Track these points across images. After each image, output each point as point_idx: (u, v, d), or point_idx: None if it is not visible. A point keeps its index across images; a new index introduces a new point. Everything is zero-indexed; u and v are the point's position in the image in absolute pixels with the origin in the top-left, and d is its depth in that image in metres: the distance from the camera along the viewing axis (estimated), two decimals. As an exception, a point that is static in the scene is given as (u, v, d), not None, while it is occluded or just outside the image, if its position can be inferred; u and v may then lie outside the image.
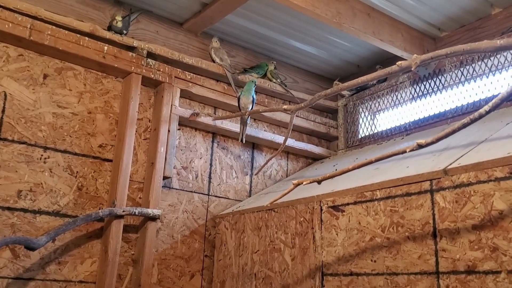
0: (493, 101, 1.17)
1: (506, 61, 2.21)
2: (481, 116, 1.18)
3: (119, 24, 2.25)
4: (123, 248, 2.14)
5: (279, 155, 2.80)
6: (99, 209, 2.10)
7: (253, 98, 2.44)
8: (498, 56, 2.23)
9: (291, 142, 2.73)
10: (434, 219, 1.49)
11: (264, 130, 2.77)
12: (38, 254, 1.95)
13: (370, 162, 1.46)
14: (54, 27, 2.08)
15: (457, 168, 1.46)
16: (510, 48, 1.18)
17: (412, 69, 1.39)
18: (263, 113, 2.58)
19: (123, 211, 2.05)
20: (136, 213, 2.10)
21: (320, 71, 3.13)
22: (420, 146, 1.28)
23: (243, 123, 2.45)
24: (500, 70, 2.25)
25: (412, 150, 1.30)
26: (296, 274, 1.91)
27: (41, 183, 2.01)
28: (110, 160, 2.20)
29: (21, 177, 1.97)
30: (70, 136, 2.12)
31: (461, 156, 1.56)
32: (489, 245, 1.33)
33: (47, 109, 2.09)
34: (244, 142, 2.48)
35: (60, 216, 2.03)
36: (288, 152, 2.86)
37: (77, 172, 2.10)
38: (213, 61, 2.58)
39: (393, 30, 2.47)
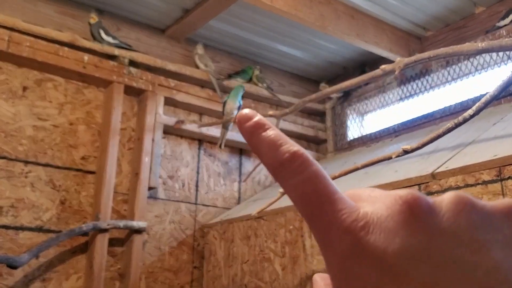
0: (477, 104, 1.14)
1: (491, 60, 2.20)
2: (465, 120, 1.16)
3: (92, 21, 2.21)
4: (109, 263, 2.09)
5: (268, 160, 2.76)
6: (83, 223, 2.05)
7: (240, 104, 2.39)
8: (484, 55, 2.22)
9: (279, 147, 2.69)
10: (423, 224, 1.46)
11: (252, 136, 2.73)
12: (22, 272, 1.89)
13: (357, 169, 1.43)
14: (32, 38, 2.03)
15: (445, 172, 1.43)
16: (491, 51, 1.16)
17: (396, 73, 1.36)
18: (249, 119, 2.54)
19: (108, 225, 2.00)
20: (121, 226, 2.05)
21: (306, 73, 3.10)
22: (406, 152, 1.25)
23: (225, 128, 2.39)
24: (486, 69, 2.24)
25: (398, 156, 1.27)
26: (287, 284, 1.87)
27: (23, 199, 1.96)
28: (93, 172, 2.15)
29: (1, 193, 1.91)
30: (51, 149, 2.07)
31: (449, 159, 1.54)
32: (479, 250, 1.30)
33: (27, 122, 2.04)
34: (222, 148, 2.41)
35: (43, 231, 1.98)
36: (277, 157, 2.82)
37: (59, 185, 2.05)
38: (197, 68, 2.54)
39: (378, 31, 2.45)
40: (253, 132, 0.24)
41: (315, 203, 0.22)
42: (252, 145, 0.24)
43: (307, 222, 0.23)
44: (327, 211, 0.22)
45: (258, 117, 0.24)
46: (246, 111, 0.25)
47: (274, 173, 0.24)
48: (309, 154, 0.23)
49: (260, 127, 0.24)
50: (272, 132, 0.24)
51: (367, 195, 0.24)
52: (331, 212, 0.22)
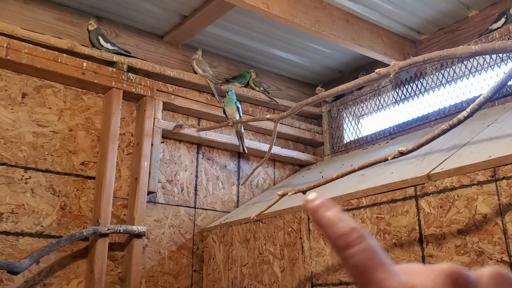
0: (471, 106, 1.17)
1: (485, 63, 2.23)
2: (460, 122, 1.19)
3: (91, 27, 2.24)
4: (109, 267, 2.10)
5: (266, 164, 2.79)
6: (83, 228, 2.06)
7: (238, 107, 2.42)
8: (477, 58, 2.25)
9: (277, 150, 2.72)
10: (420, 225, 1.48)
11: (250, 139, 2.76)
12: (22, 277, 1.90)
13: (354, 171, 1.46)
14: (31, 45, 2.05)
15: (440, 173, 1.46)
16: (484, 53, 1.18)
17: (391, 76, 1.39)
18: (247, 122, 2.57)
19: (108, 230, 2.02)
20: (121, 231, 2.07)
21: (302, 78, 3.13)
22: (402, 154, 1.27)
23: (237, 133, 2.45)
24: (479, 72, 2.27)
25: (394, 157, 1.30)
26: (286, 286, 1.89)
27: (23, 204, 1.97)
28: (93, 178, 2.17)
29: (2, 199, 1.93)
30: (51, 155, 2.09)
31: (444, 161, 1.56)
32: (475, 249, 1.33)
33: (26, 128, 2.06)
34: (246, 151, 2.52)
35: (43, 237, 1.99)
36: (275, 160, 2.85)
37: (59, 191, 2.07)
38: (195, 73, 2.57)
39: (373, 36, 2.49)
40: (317, 210, 0.28)
41: (370, 271, 0.26)
42: (317, 220, 0.28)
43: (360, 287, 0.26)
44: (381, 279, 0.25)
45: (321, 199, 0.29)
46: (313, 194, 0.29)
47: (334, 244, 0.27)
48: (365, 230, 0.27)
49: (323, 205, 0.28)
50: (334, 210, 0.28)
51: (411, 268, 0.27)
52: (384, 280, 0.25)
